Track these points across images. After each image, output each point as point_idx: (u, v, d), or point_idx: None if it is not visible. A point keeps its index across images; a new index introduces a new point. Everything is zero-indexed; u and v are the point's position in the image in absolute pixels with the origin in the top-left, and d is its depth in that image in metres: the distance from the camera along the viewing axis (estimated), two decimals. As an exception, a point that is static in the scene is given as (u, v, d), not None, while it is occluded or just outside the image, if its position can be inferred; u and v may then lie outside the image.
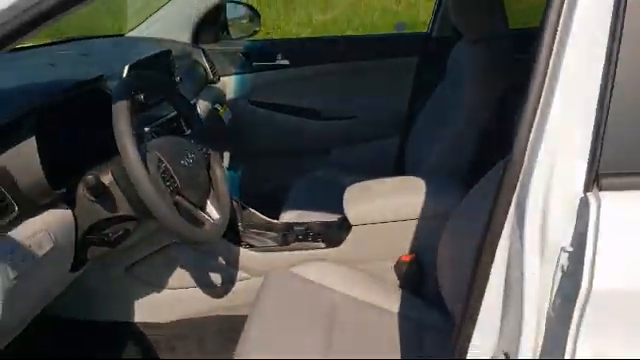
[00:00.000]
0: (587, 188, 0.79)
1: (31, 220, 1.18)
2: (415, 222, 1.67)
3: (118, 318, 1.86)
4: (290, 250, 1.76)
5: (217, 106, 2.32)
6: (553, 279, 0.82)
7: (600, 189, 0.78)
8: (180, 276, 1.80)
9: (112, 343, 1.86)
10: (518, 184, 0.82)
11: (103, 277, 1.78)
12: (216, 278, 1.80)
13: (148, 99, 1.64)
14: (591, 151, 0.78)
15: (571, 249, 0.80)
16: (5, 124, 1.18)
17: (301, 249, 1.75)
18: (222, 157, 1.87)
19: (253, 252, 1.77)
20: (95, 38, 2.34)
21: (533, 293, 0.83)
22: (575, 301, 0.78)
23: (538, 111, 0.81)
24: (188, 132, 1.64)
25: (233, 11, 2.72)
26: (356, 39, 3.15)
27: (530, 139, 0.81)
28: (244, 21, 2.76)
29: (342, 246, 1.73)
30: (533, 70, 0.79)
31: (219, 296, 1.81)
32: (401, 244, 1.70)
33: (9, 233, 1.11)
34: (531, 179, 0.81)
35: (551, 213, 0.80)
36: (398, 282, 1.71)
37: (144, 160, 1.21)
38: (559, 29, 0.78)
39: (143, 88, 1.37)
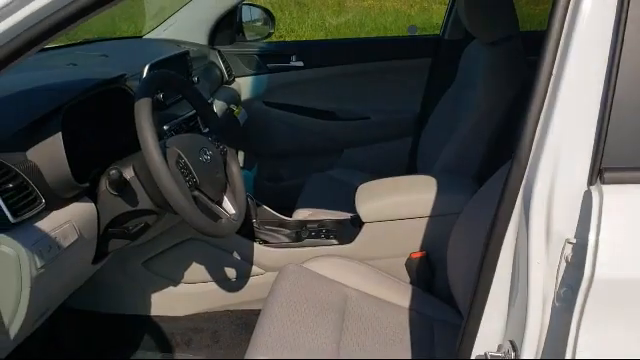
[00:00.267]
0: (590, 182, 0.82)
1: (57, 212, 1.23)
2: (426, 220, 1.71)
3: (135, 311, 1.91)
4: (303, 246, 1.80)
5: (232, 106, 2.37)
6: (558, 269, 0.85)
7: (603, 183, 0.81)
8: (196, 271, 1.85)
9: (129, 336, 1.91)
10: (524, 178, 0.86)
11: (121, 271, 1.83)
12: (231, 273, 1.85)
13: (167, 98, 1.70)
14: (594, 146, 0.81)
15: (575, 240, 0.83)
16: (33, 121, 1.23)
17: (314, 245, 1.79)
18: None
19: (267, 248, 1.82)
20: (113, 40, 2.41)
21: (538, 283, 0.86)
22: (578, 290, 0.81)
23: (544, 108, 0.84)
24: (205, 130, 1.69)
25: (248, 14, 2.78)
26: (369, 41, 3.19)
27: (536, 135, 0.85)
28: (258, 23, 2.82)
29: (354, 243, 1.77)
30: (539, 68, 0.83)
31: (234, 290, 1.86)
32: (412, 241, 1.73)
33: (36, 224, 1.16)
34: (537, 173, 0.84)
35: (556, 206, 0.83)
36: (409, 278, 1.75)
37: (164, 156, 1.26)
38: (564, 30, 0.82)
39: (163, 87, 1.42)
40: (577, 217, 0.83)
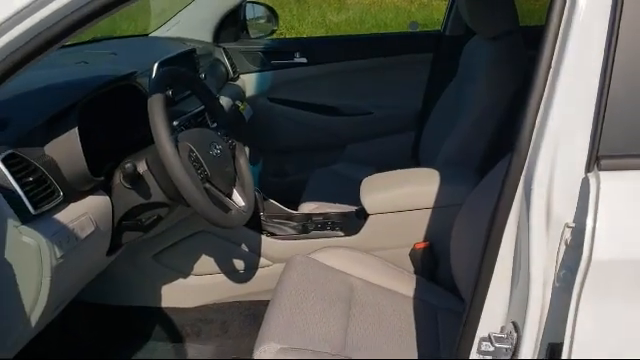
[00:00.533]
0: (588, 169, 0.86)
1: (74, 205, 1.28)
2: (429, 211, 1.75)
3: (146, 303, 1.95)
4: (310, 238, 1.85)
5: (238, 103, 2.41)
6: (557, 252, 0.89)
7: (600, 169, 0.85)
8: (205, 263, 1.89)
9: (140, 327, 1.96)
10: (525, 166, 0.90)
11: (131, 264, 1.87)
12: (239, 265, 1.89)
13: (175, 95, 1.74)
14: (591, 135, 0.85)
15: (574, 224, 0.87)
16: (49, 118, 1.28)
17: (320, 237, 1.84)
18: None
19: (274, 240, 1.86)
20: (120, 38, 2.45)
21: (539, 265, 0.90)
22: (577, 272, 0.85)
23: (543, 99, 0.88)
24: (213, 125, 1.74)
25: (251, 11, 2.81)
26: (371, 38, 3.22)
27: (536, 125, 0.89)
28: (262, 21, 2.86)
29: (359, 234, 1.81)
30: (538, 61, 0.87)
31: (242, 282, 1.90)
32: (416, 232, 1.77)
33: (55, 216, 1.21)
34: (537, 161, 0.88)
35: (555, 192, 0.87)
36: (413, 268, 1.79)
37: (176, 149, 1.31)
38: (562, 23, 0.86)
39: (174, 83, 1.47)
40: (576, 202, 0.87)
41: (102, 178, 1.35)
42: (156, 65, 1.71)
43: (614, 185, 0.84)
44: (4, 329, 1.16)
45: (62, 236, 1.19)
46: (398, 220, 1.77)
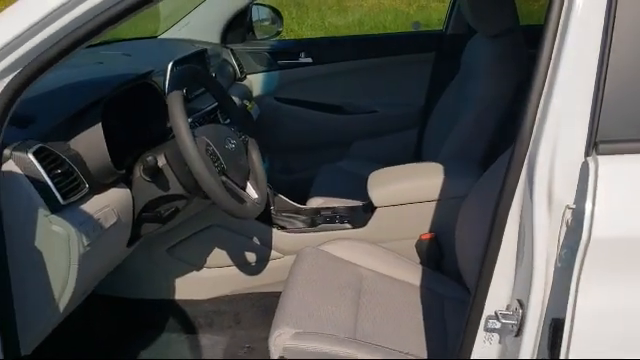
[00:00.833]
0: (587, 153, 0.92)
1: (98, 197, 1.34)
2: (434, 203, 1.81)
3: (160, 296, 2.01)
4: (319, 231, 1.91)
5: (245, 102, 2.48)
6: (559, 233, 0.95)
7: (598, 154, 0.91)
8: (217, 256, 1.95)
9: (154, 319, 2.01)
10: (528, 151, 0.96)
11: (146, 258, 1.93)
12: (251, 257, 1.95)
13: (189, 93, 1.81)
14: (590, 122, 0.91)
15: (574, 206, 0.93)
16: (74, 114, 1.34)
17: (329, 230, 1.90)
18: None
19: (285, 233, 1.92)
20: (130, 40, 2.51)
21: (542, 246, 0.96)
22: (577, 250, 0.92)
23: (544, 90, 0.95)
24: (226, 122, 1.80)
25: (257, 13, 2.88)
26: (375, 38, 3.29)
27: (537, 114, 0.96)
28: (267, 23, 2.92)
29: (367, 227, 1.87)
30: (539, 54, 0.93)
31: (254, 274, 1.96)
32: (421, 224, 1.83)
33: (81, 207, 1.27)
34: (539, 148, 0.94)
35: (557, 176, 0.93)
36: (419, 259, 1.85)
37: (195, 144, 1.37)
38: (561, 19, 0.92)
39: (190, 81, 1.53)
40: (575, 185, 0.93)
41: (124, 171, 1.41)
42: (170, 64, 1.77)
43: (611, 168, 0.90)
44: (35, 313, 1.22)
45: (88, 226, 1.25)
46: (404, 212, 1.83)
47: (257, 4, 2.82)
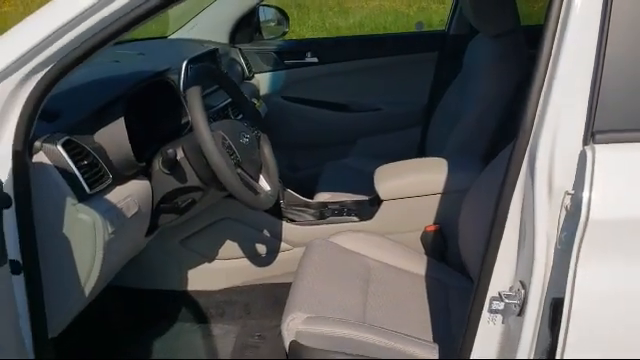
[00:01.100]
0: (585, 142, 0.99)
1: (120, 187, 1.40)
2: (439, 196, 1.87)
3: (172, 287, 2.07)
4: (327, 224, 1.97)
5: (254, 100, 2.54)
6: (559, 217, 1.02)
7: (595, 143, 0.98)
8: (229, 248, 2.01)
9: (167, 309, 2.07)
10: (529, 141, 1.03)
11: (159, 250, 1.99)
12: (261, 249, 2.01)
13: (203, 90, 1.87)
14: (587, 113, 0.98)
15: (573, 192, 1.00)
16: (97, 109, 1.41)
17: (337, 222, 1.96)
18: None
19: (294, 226, 1.99)
20: (142, 40, 2.58)
21: (543, 229, 1.02)
22: (576, 233, 0.98)
23: (544, 84, 1.01)
24: (239, 117, 1.87)
25: (264, 14, 2.95)
26: (380, 38, 3.36)
27: (539, 106, 1.02)
28: (273, 23, 2.99)
29: (373, 219, 1.94)
30: (540, 51, 1.00)
31: (264, 265, 2.03)
32: (427, 216, 1.90)
33: (106, 196, 1.34)
34: (540, 138, 1.01)
35: (557, 163, 1.00)
36: (424, 250, 1.92)
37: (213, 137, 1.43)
38: (560, 17, 0.99)
39: (207, 78, 1.59)
40: (574, 172, 0.99)
41: (144, 164, 1.48)
42: (185, 63, 1.84)
43: (607, 155, 0.97)
44: (62, 298, 1.28)
45: (112, 214, 1.32)
46: (410, 205, 1.90)
47: (264, 5, 2.88)
